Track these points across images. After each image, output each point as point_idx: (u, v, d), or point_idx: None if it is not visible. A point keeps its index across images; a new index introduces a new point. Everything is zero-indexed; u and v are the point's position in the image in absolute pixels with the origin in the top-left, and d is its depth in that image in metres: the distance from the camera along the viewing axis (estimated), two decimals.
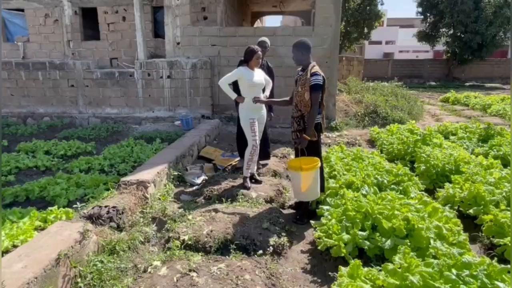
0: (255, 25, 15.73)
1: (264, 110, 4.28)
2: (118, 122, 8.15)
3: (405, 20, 42.36)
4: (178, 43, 8.31)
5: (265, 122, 4.44)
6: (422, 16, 23.83)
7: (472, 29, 20.73)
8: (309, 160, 3.31)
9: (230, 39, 8.03)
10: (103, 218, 2.95)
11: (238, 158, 5.18)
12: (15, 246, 2.58)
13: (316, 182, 3.33)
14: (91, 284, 2.41)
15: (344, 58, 15.42)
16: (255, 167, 4.44)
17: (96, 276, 2.45)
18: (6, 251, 2.51)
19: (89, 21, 11.17)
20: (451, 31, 22.59)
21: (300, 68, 3.50)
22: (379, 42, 37.83)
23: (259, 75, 4.08)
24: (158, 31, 10.91)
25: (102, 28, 11.09)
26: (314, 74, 3.26)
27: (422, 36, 24.39)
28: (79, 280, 2.40)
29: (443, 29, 23.26)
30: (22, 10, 11.31)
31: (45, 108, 8.74)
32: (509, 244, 2.70)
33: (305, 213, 3.58)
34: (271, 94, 4.72)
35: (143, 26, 8.42)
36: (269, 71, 4.82)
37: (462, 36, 21.53)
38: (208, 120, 7.82)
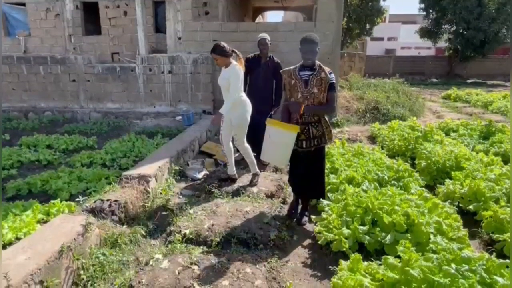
0: (256, 21, 15.68)
1: (240, 112, 3.90)
2: (120, 117, 8.17)
3: (407, 16, 42.13)
4: (180, 38, 8.29)
5: (247, 123, 4.01)
6: (424, 13, 23.66)
7: (475, 26, 20.61)
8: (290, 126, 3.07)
9: (231, 35, 8.01)
10: (105, 212, 2.98)
11: (238, 154, 5.22)
12: (18, 239, 2.61)
13: (285, 148, 3.05)
14: (94, 276, 2.44)
15: (345, 55, 15.37)
16: (255, 167, 4.18)
17: (98, 269, 2.48)
18: (9, 244, 2.54)
19: (90, 16, 11.13)
20: (454, 28, 22.47)
21: (297, 67, 3.12)
22: (381, 39, 37.61)
23: (221, 76, 3.89)
24: (159, 26, 10.87)
25: (103, 22, 11.05)
26: (330, 72, 3.05)
27: (424, 33, 24.24)
28: (81, 272, 2.42)
29: (446, 26, 23.14)
30: (23, 5, 11.26)
31: (46, 103, 8.74)
32: (508, 240, 2.72)
33: (307, 214, 3.48)
34: (277, 95, 4.64)
35: (145, 21, 8.39)
36: (276, 68, 4.75)
37: (465, 33, 21.40)
38: (209, 116, 7.82)
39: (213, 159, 5.17)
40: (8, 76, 8.67)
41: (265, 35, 4.77)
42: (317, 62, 3.07)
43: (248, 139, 4.90)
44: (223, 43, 3.78)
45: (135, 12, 8.49)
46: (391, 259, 2.25)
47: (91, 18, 11.16)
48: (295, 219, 3.44)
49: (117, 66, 8.45)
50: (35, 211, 3.03)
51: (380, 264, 2.32)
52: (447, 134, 6.52)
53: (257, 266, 2.58)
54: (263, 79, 4.80)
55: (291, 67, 3.17)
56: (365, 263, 2.36)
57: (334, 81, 3.04)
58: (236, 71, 3.76)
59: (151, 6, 10.68)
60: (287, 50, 7.50)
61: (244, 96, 4.01)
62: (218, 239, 2.95)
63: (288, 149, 3.06)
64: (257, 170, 4.26)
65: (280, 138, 3.01)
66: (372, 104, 9.12)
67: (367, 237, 2.73)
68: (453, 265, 2.06)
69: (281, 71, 3.29)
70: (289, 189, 4.26)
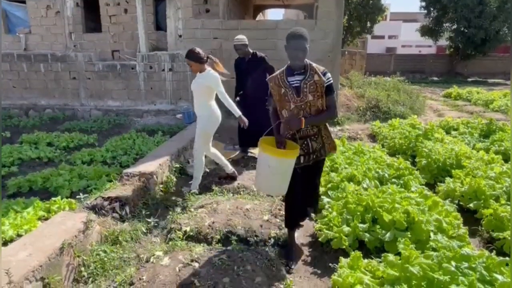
0: (257, 18, 15.64)
1: (206, 120, 3.94)
2: (120, 115, 8.16)
3: (408, 14, 42.02)
4: (180, 36, 8.29)
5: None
6: (425, 11, 23.60)
7: (476, 24, 20.55)
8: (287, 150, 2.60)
9: (232, 32, 7.98)
10: (106, 209, 2.99)
11: (238, 152, 5.28)
12: (19, 236, 2.61)
13: (287, 173, 2.53)
14: (94, 273, 2.45)
15: (346, 53, 15.36)
16: (196, 184, 3.98)
17: (99, 266, 2.49)
18: (10, 240, 2.54)
19: (90, 13, 11.13)
20: (455, 26, 22.40)
21: (284, 72, 2.58)
22: (382, 37, 37.54)
23: (195, 81, 3.86)
24: (160, 24, 10.86)
25: (104, 20, 11.04)
26: (325, 72, 2.53)
27: (425, 31, 24.19)
28: (82, 269, 2.44)
29: (447, 24, 23.08)
30: (24, 2, 11.26)
31: (47, 100, 8.74)
32: (509, 238, 2.72)
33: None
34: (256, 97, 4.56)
35: (145, 18, 8.39)
36: (262, 62, 4.80)
37: (466, 31, 21.34)
38: None
39: None
40: (8, 74, 8.67)
41: (238, 39, 4.87)
42: (307, 62, 2.53)
43: (245, 139, 4.95)
44: (198, 49, 3.70)
45: (136, 9, 8.48)
46: (391, 257, 2.26)
47: (91, 16, 11.15)
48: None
49: (117, 64, 8.44)
50: (36, 208, 3.04)
51: (380, 262, 2.33)
52: (447, 132, 6.52)
53: (258, 263, 2.58)
54: (252, 75, 4.87)
55: (277, 72, 2.65)
56: (365, 260, 2.37)
57: (332, 82, 2.53)
58: (214, 76, 3.74)
59: (151, 4, 10.66)
60: None
61: (214, 105, 3.94)
62: (218, 237, 2.96)
63: (290, 173, 2.55)
64: (197, 186, 3.97)
65: (283, 166, 2.50)
66: (373, 102, 9.12)
67: (367, 235, 2.73)
68: (453, 263, 2.07)
69: (267, 79, 2.75)
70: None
